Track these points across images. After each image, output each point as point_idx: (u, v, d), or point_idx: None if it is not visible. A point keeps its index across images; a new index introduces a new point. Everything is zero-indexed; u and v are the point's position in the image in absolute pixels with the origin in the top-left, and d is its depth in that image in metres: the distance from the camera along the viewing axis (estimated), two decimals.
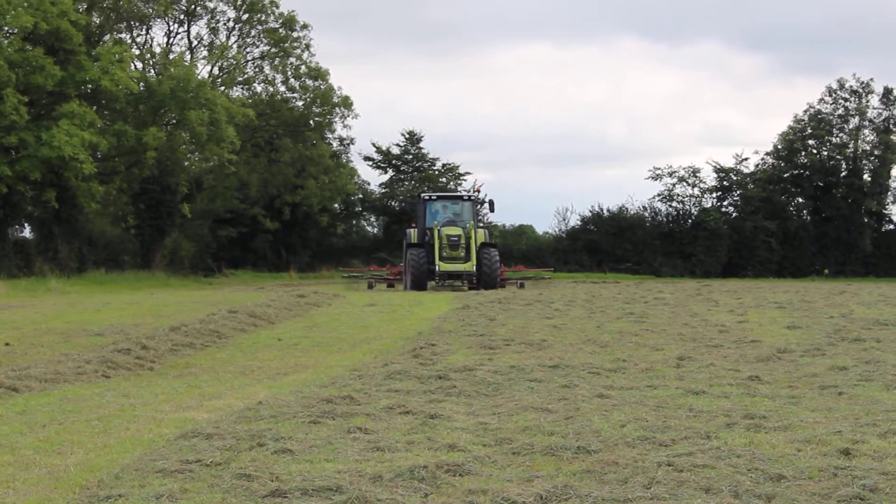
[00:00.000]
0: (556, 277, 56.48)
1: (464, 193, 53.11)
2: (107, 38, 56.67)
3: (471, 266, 45.75)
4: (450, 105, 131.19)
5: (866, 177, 72.44)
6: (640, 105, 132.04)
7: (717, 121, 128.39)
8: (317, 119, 67.01)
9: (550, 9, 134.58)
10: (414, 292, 43.09)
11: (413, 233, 48.54)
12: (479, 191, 51.14)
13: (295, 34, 64.18)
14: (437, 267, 45.64)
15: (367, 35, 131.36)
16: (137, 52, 59.95)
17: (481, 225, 49.52)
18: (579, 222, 72.96)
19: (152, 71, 58.54)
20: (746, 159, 73.89)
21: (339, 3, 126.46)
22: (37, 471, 9.82)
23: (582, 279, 59.70)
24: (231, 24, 64.07)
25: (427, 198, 49.76)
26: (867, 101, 73.16)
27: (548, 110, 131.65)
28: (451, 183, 71.64)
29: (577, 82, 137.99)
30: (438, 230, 46.36)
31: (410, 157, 73.42)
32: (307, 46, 64.77)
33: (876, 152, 72.30)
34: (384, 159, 73.48)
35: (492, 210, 50.39)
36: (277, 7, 63.72)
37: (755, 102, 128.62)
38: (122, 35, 59.82)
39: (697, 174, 73.00)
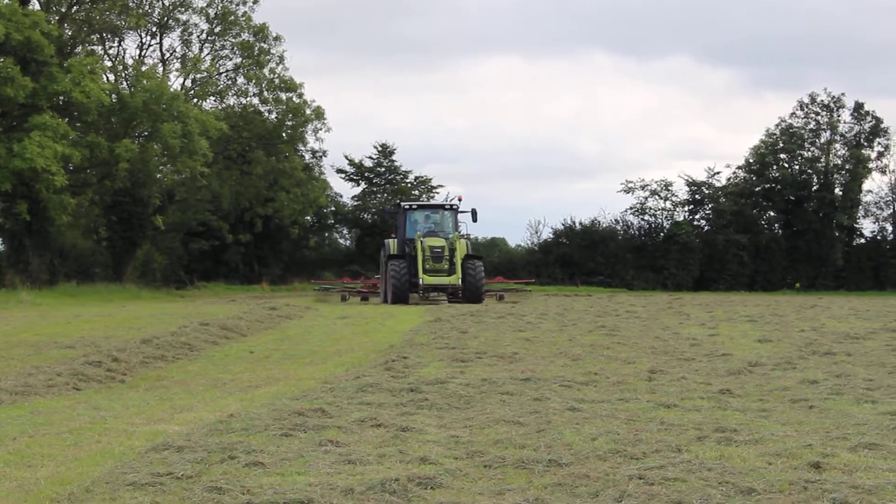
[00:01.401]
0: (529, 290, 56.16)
1: (445, 203, 50.40)
2: (79, 49, 56.49)
3: (456, 279, 44.10)
4: (422, 118, 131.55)
5: (838, 191, 72.78)
6: (611, 119, 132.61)
7: (686, 135, 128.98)
8: (289, 132, 66.94)
9: (519, 23, 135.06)
10: (386, 305, 42.82)
11: (392, 243, 46.66)
12: (461, 199, 48.59)
13: (266, 45, 64.12)
14: (420, 280, 43.85)
15: (339, 49, 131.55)
16: (110, 64, 59.80)
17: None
18: (552, 235, 73.10)
19: (125, 83, 58.34)
20: (718, 173, 74.28)
21: (312, 17, 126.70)
22: (7, 484, 9.77)
23: (554, 292, 59.80)
24: (204, 36, 64.01)
25: (407, 207, 47.91)
26: (838, 116, 73.59)
27: (519, 124, 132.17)
28: (424, 196, 71.62)
29: (548, 97, 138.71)
30: (421, 241, 44.62)
31: (383, 169, 73.55)
32: (281, 59, 64.80)
33: (847, 166, 72.66)
34: (357, 172, 73.58)
35: (474, 220, 47.98)
36: (250, 20, 63.68)
37: (724, 117, 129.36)
38: (95, 47, 59.62)
39: (670, 188, 73.29)
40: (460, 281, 44.12)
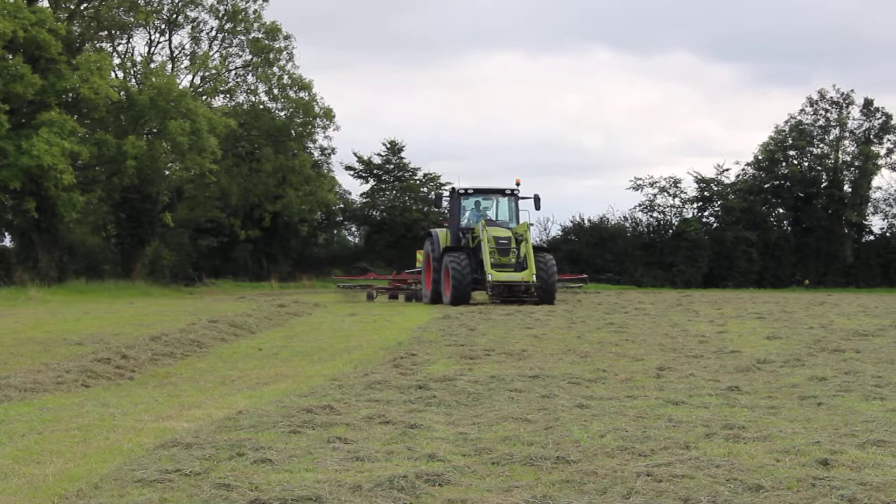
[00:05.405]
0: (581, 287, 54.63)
1: (505, 187, 42.56)
2: (88, 46, 56.52)
3: (529, 275, 38.10)
4: (426, 115, 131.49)
5: (847, 188, 72.82)
6: (616, 116, 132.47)
7: (691, 131, 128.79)
8: (298, 129, 66.99)
9: (520, 19, 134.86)
10: (404, 303, 42.13)
11: (442, 234, 40.91)
12: (518, 183, 42.46)
13: (277, 44, 64.19)
14: (488, 276, 38.08)
15: (344, 45, 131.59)
16: (118, 61, 59.84)
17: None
18: (560, 232, 73.16)
19: (133, 80, 58.44)
20: (727, 170, 74.28)
21: (317, 13, 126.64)
22: (15, 480, 9.77)
23: (563, 289, 59.69)
24: (213, 33, 64.07)
25: (462, 192, 41.85)
26: (848, 112, 73.52)
27: (524, 121, 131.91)
28: (433, 193, 71.66)
29: (552, 93, 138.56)
30: (486, 231, 38.87)
31: (392, 166, 73.64)
32: (290, 57, 64.84)
33: (856, 163, 72.70)
34: (365, 169, 73.74)
35: (537, 207, 41.25)
36: (260, 18, 63.72)
37: (729, 113, 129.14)
38: (103, 44, 59.69)
39: (678, 184, 73.31)
40: (534, 278, 38.42)
